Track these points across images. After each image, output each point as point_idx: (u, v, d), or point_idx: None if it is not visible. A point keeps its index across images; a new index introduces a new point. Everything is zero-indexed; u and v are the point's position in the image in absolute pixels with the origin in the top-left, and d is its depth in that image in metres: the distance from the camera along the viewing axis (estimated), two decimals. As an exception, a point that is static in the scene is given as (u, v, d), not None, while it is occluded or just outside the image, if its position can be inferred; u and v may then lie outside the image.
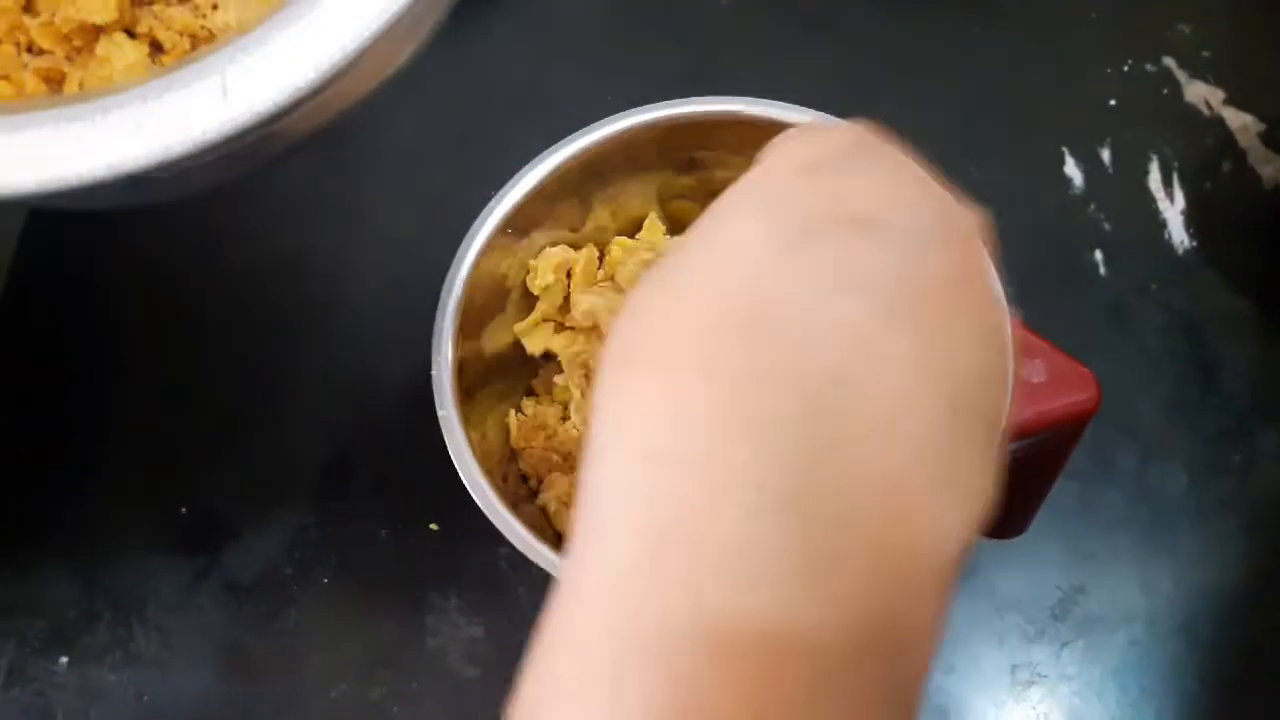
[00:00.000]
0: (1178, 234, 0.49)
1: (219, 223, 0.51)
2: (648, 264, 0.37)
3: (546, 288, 0.37)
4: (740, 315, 0.18)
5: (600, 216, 0.38)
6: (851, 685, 0.17)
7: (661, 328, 0.19)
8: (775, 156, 0.22)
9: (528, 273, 0.37)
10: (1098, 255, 0.48)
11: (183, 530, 0.45)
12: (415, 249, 0.49)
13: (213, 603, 0.44)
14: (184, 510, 0.45)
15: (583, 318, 0.37)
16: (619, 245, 0.39)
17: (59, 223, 0.50)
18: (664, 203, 0.39)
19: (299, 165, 0.52)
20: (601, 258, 0.39)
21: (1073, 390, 0.30)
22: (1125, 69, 0.52)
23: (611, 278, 0.38)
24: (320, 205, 0.51)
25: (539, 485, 0.37)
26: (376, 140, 0.52)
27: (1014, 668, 0.42)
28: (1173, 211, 0.49)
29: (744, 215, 0.20)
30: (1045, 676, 0.42)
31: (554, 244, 0.37)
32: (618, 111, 0.36)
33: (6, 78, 0.29)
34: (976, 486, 0.19)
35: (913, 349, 0.18)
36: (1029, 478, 0.36)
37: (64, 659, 0.43)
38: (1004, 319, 0.21)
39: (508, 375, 0.38)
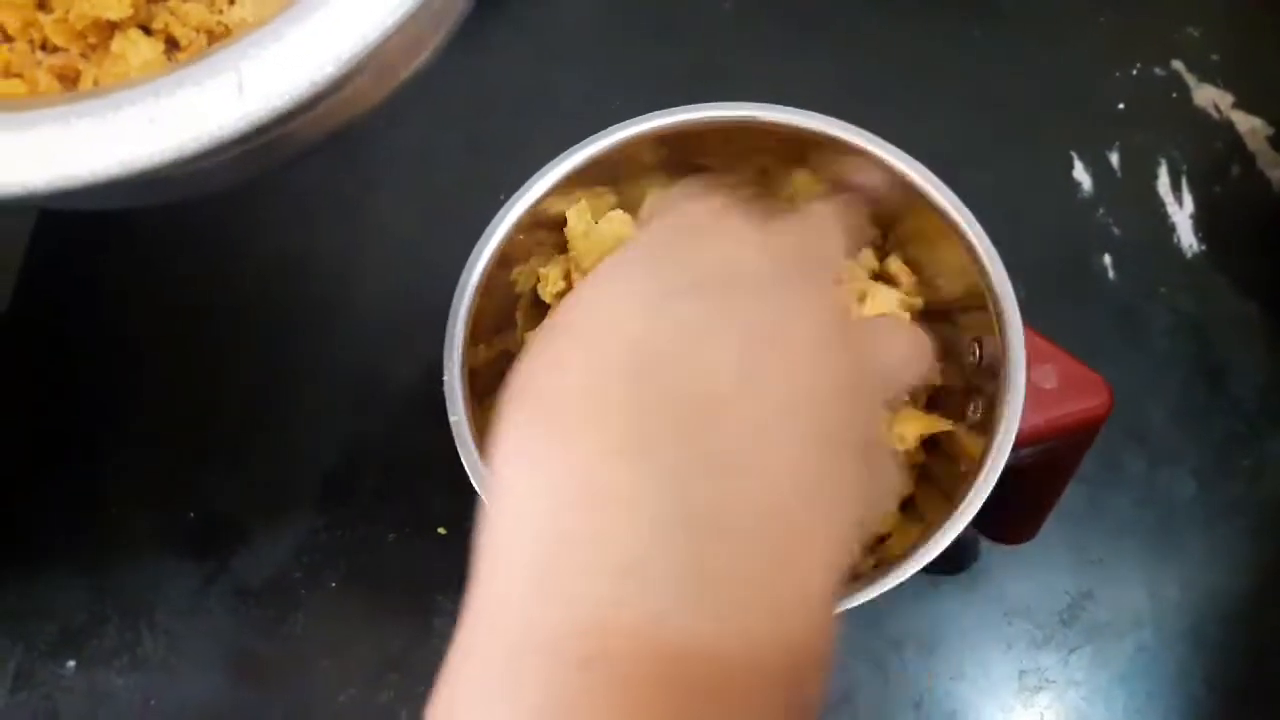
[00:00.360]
0: (1186, 238, 0.49)
1: (228, 224, 0.51)
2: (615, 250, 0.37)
3: (557, 294, 0.37)
4: (622, 360, 0.20)
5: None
6: (738, 698, 0.18)
7: (552, 373, 0.20)
8: (653, 225, 0.24)
9: (538, 280, 0.37)
10: (1106, 259, 0.48)
11: (191, 534, 0.45)
12: (424, 252, 0.49)
13: (221, 607, 0.44)
14: (192, 515, 0.45)
15: (551, 300, 0.37)
16: (580, 235, 0.38)
17: (68, 225, 0.50)
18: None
19: (308, 166, 0.52)
20: None
21: (1084, 396, 0.30)
22: (1134, 72, 0.52)
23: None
24: (329, 207, 0.51)
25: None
26: (385, 143, 0.52)
27: (1022, 673, 0.42)
28: (1181, 215, 0.49)
29: (627, 276, 0.22)
30: (1053, 682, 0.42)
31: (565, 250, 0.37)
32: (622, 115, 0.35)
33: (20, 75, 0.28)
34: (849, 510, 0.20)
35: (779, 378, 0.20)
36: (1039, 484, 0.36)
37: (72, 663, 0.43)
38: (866, 349, 0.23)
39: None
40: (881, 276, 0.38)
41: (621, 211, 0.38)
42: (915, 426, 0.35)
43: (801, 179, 0.37)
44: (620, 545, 0.18)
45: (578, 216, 0.37)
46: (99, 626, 0.43)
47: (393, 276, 0.49)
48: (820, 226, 0.26)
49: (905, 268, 0.37)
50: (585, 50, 0.54)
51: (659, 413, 0.19)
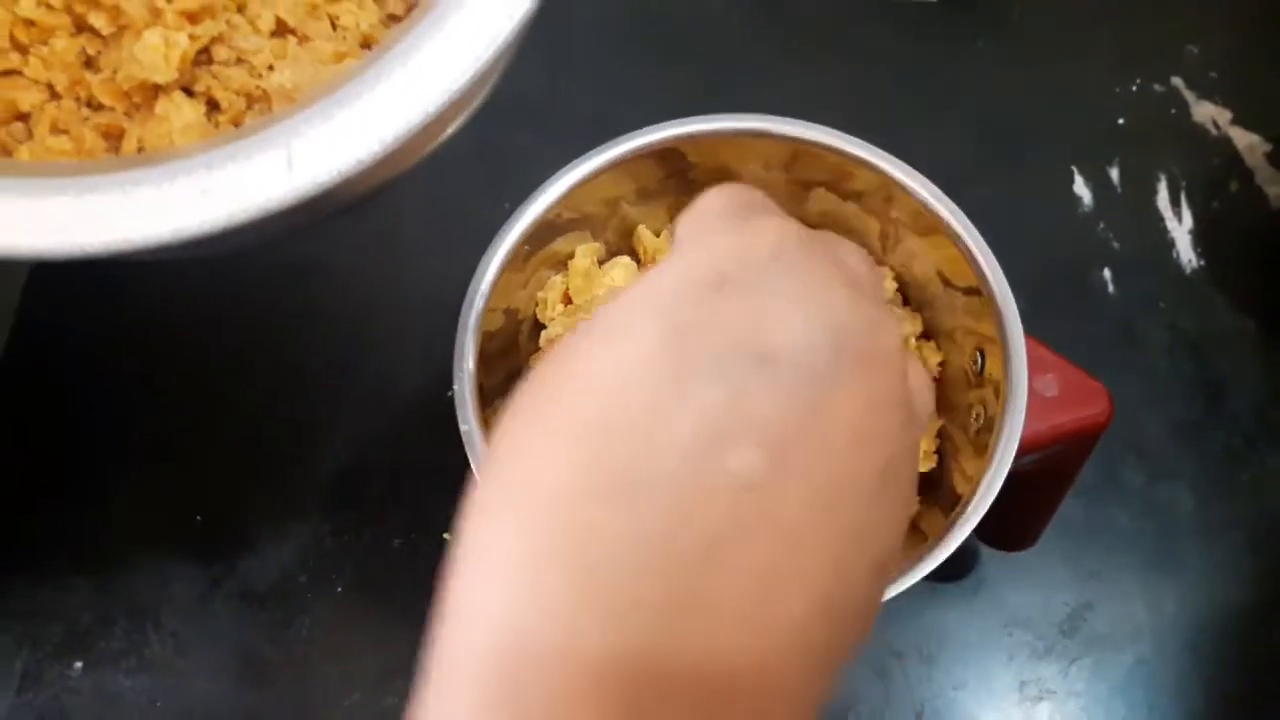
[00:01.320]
0: (1186, 253, 0.49)
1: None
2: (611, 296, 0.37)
3: (554, 318, 0.38)
4: (610, 470, 0.17)
5: (617, 232, 0.39)
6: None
7: (526, 469, 0.17)
8: (688, 260, 0.19)
9: (537, 305, 0.38)
10: (1106, 273, 0.49)
11: (198, 538, 0.45)
12: (432, 261, 0.49)
13: (227, 611, 0.44)
14: (199, 518, 0.45)
15: (545, 345, 0.37)
16: (583, 274, 0.38)
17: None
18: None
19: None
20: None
21: (1085, 404, 0.31)
22: (1134, 89, 0.52)
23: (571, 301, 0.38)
24: (337, 216, 0.51)
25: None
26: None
27: (1023, 684, 0.42)
28: (1180, 230, 0.49)
29: (635, 336, 0.18)
30: (1054, 693, 0.42)
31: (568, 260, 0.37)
32: (631, 128, 0.36)
33: (66, 132, 0.29)
34: (840, 663, 0.18)
35: (801, 513, 0.17)
36: (1040, 491, 0.36)
37: (79, 664, 0.43)
38: (914, 455, 0.20)
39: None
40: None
41: (628, 260, 0.38)
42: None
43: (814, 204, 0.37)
44: None
45: (584, 255, 0.37)
46: (106, 628, 0.44)
47: (401, 285, 0.49)
48: (873, 272, 0.22)
49: (894, 291, 0.38)
50: (595, 65, 0.54)
51: (641, 555, 0.16)
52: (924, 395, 0.21)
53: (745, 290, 0.18)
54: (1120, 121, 0.52)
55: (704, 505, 0.16)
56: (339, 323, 0.49)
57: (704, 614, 0.16)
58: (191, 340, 0.49)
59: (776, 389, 0.17)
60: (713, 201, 0.21)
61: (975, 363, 0.34)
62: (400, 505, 0.45)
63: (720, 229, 0.20)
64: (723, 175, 0.38)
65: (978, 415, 0.33)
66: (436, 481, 0.45)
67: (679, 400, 0.17)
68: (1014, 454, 0.30)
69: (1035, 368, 0.31)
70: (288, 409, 0.48)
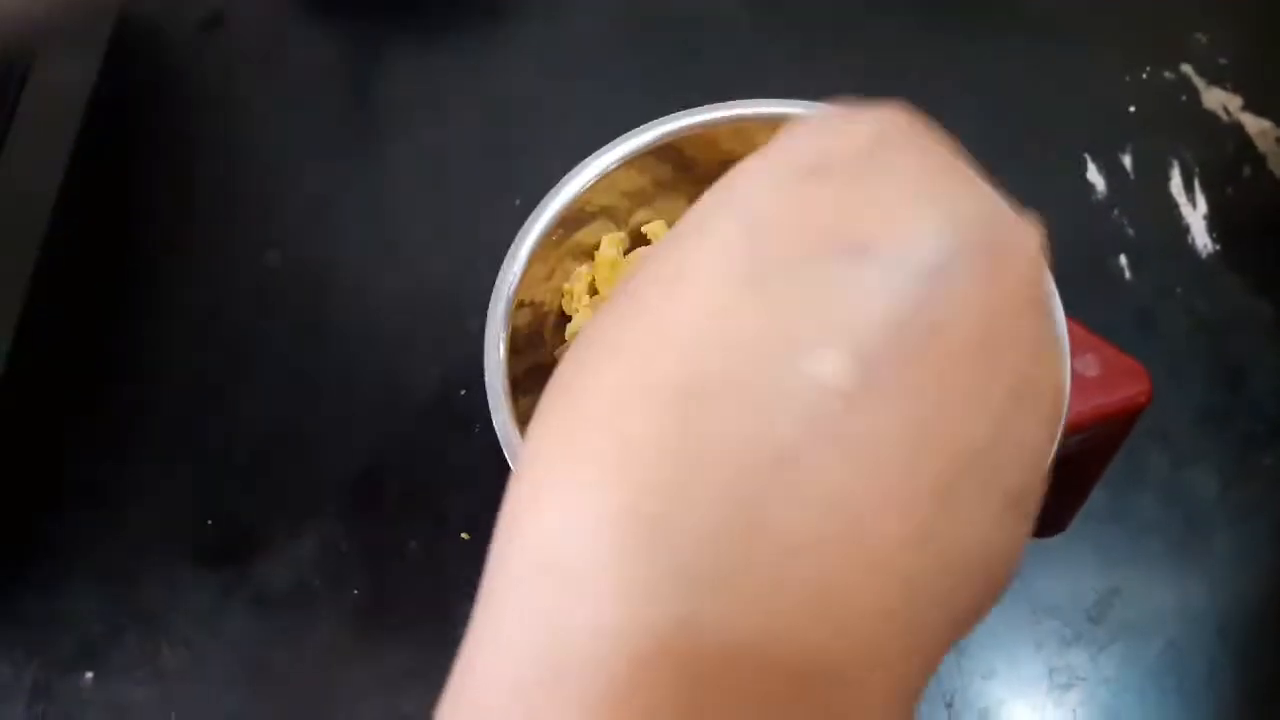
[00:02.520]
0: (1201, 238, 0.49)
1: (242, 233, 0.51)
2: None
3: (579, 310, 0.37)
4: (676, 379, 0.14)
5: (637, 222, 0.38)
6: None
7: (585, 387, 0.16)
8: (778, 149, 0.17)
9: (563, 297, 0.37)
10: (1122, 260, 0.48)
11: (210, 544, 0.44)
12: (441, 261, 0.49)
13: (241, 617, 0.43)
14: (210, 523, 0.45)
15: (570, 337, 0.37)
16: (608, 265, 0.37)
17: (79, 236, 0.50)
18: None
19: (322, 174, 0.52)
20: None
21: (1126, 384, 0.30)
22: (1144, 76, 0.52)
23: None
24: (344, 217, 0.51)
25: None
26: (400, 151, 0.52)
27: (1052, 671, 0.42)
28: (1195, 216, 0.49)
29: (710, 235, 0.16)
30: (1084, 679, 0.41)
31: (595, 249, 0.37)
32: (638, 122, 0.35)
33: None
34: (964, 621, 0.15)
35: (900, 430, 0.14)
36: (1077, 474, 0.36)
37: (90, 675, 0.42)
38: (1060, 365, 0.17)
39: (541, 391, 0.38)
40: None
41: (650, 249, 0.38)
42: None
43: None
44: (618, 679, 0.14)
45: (610, 245, 0.37)
46: (117, 637, 0.43)
47: (410, 285, 0.49)
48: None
49: None
50: (600, 60, 0.54)
51: (704, 474, 0.14)
52: (1059, 316, 0.19)
53: (843, 176, 0.16)
54: (1131, 109, 0.52)
55: (774, 416, 0.14)
56: (349, 325, 0.48)
57: (764, 559, 0.13)
58: (199, 345, 0.48)
59: (876, 288, 0.15)
60: (807, 118, 0.19)
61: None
62: (416, 507, 0.45)
63: (814, 125, 0.18)
64: (728, 168, 0.37)
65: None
66: (453, 483, 0.45)
67: (755, 300, 0.15)
68: (1061, 434, 0.29)
69: (1075, 347, 0.31)
70: (298, 413, 0.47)
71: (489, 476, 0.32)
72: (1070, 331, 0.31)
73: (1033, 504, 0.16)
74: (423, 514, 0.44)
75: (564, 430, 0.16)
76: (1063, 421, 0.17)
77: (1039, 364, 0.16)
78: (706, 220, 0.16)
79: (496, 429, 0.31)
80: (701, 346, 0.15)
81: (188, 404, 0.47)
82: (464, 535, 0.44)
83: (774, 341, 0.14)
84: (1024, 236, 0.17)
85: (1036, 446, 0.16)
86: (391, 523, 0.44)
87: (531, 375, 0.36)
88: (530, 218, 0.33)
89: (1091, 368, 0.30)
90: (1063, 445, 0.30)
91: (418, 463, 0.45)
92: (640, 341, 0.15)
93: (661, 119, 0.35)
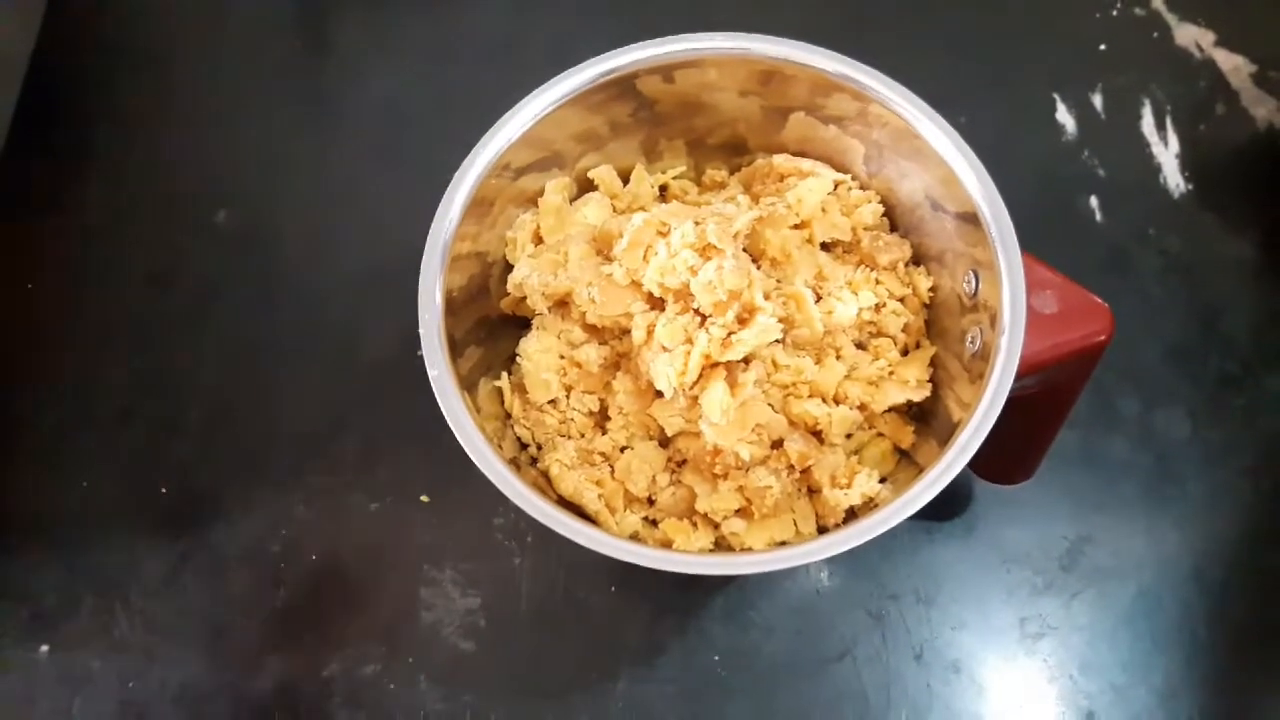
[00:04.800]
0: (1173, 178, 0.48)
1: (191, 193, 0.49)
2: (584, 233, 0.35)
3: (521, 259, 0.36)
4: None
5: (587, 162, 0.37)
6: None
7: None
8: None
9: (506, 245, 0.36)
10: (1093, 201, 0.47)
11: (165, 510, 0.43)
12: (395, 214, 0.47)
13: (198, 585, 0.42)
14: (165, 490, 0.44)
15: (514, 289, 0.35)
16: (554, 211, 0.36)
17: (31, 176, 0.49)
18: (651, 160, 0.38)
19: (268, 125, 0.50)
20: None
21: (1086, 321, 0.30)
22: (1114, 13, 0.51)
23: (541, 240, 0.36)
24: (294, 170, 0.49)
25: (538, 450, 0.36)
26: (349, 100, 0.51)
27: (1023, 620, 0.41)
28: (1167, 155, 0.48)
29: None
30: (1055, 628, 0.41)
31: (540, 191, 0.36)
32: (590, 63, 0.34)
33: None
34: None
35: None
36: (1038, 418, 0.35)
37: (45, 647, 0.41)
38: None
39: (492, 343, 0.37)
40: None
41: (601, 195, 0.37)
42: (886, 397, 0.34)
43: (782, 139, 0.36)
44: None
45: (554, 191, 0.36)
46: (72, 609, 0.42)
47: (365, 240, 0.47)
48: None
49: (880, 215, 0.36)
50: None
51: None
52: None
53: None
54: (1102, 47, 0.50)
55: None
56: (303, 284, 0.47)
57: None
58: (150, 309, 0.47)
59: None
60: None
61: (969, 284, 0.32)
62: (375, 468, 0.44)
63: None
64: (693, 107, 0.36)
65: (973, 339, 0.32)
66: (412, 442, 0.44)
67: None
68: (1013, 374, 0.28)
69: (1033, 285, 0.30)
70: (252, 376, 0.46)
71: (450, 438, 0.32)
72: (1028, 268, 0.30)
73: None
74: (382, 477, 0.43)
75: None
76: None
77: None
78: None
79: (432, 383, 0.30)
80: None
81: (140, 370, 0.46)
82: (424, 498, 0.43)
83: None
84: None
85: None
86: (351, 486, 0.43)
87: (481, 327, 0.35)
88: (465, 162, 0.32)
89: (1050, 304, 0.29)
90: (1021, 385, 0.30)
91: (376, 425, 0.44)
92: None
93: (610, 53, 0.34)
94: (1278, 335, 0.45)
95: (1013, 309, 0.29)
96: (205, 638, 0.42)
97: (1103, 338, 0.30)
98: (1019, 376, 0.29)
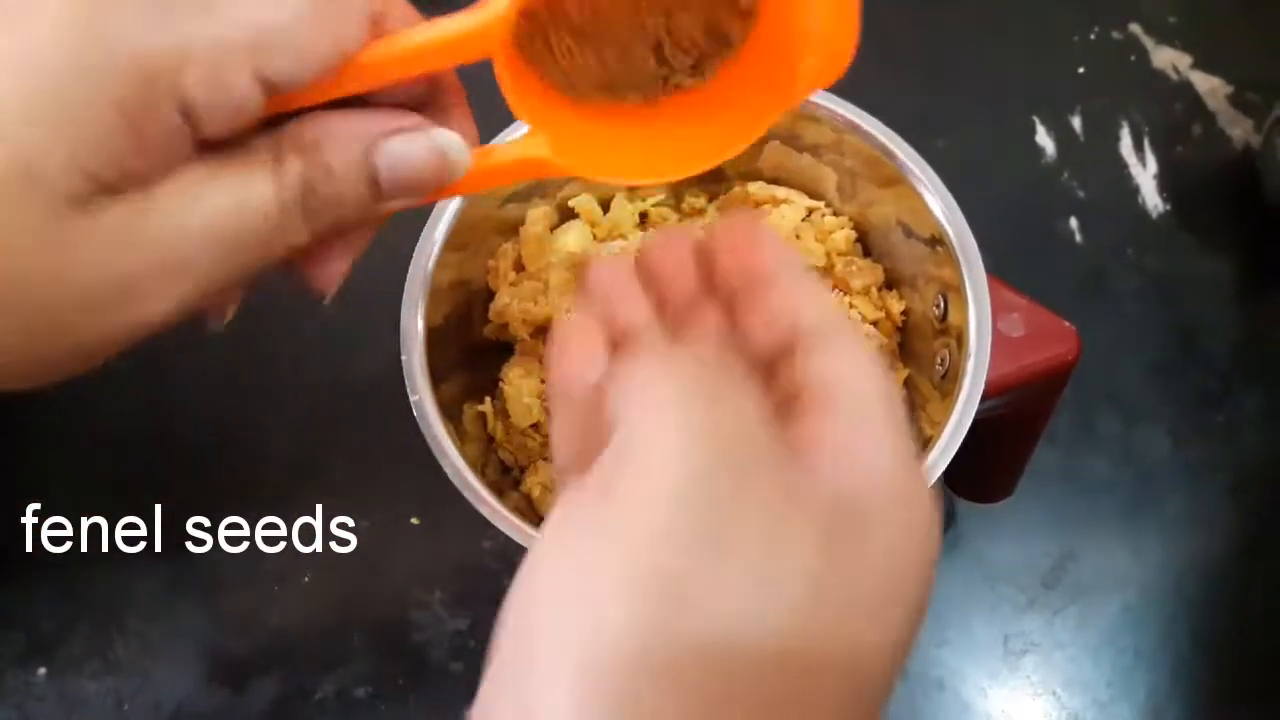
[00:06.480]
0: (1151, 198, 0.49)
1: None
2: (565, 261, 0.36)
3: (502, 287, 0.37)
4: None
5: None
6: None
7: (532, 645, 0.18)
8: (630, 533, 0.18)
9: (488, 273, 0.37)
10: (1073, 222, 0.48)
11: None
12: (381, 237, 0.48)
13: (192, 607, 0.43)
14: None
15: (494, 316, 0.36)
16: (535, 240, 0.37)
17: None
18: (632, 188, 0.39)
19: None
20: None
21: (1052, 343, 0.30)
22: (1092, 37, 0.52)
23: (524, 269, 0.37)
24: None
25: (521, 474, 0.37)
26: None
27: (1007, 637, 0.42)
28: (1145, 176, 0.49)
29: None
30: (1038, 645, 0.41)
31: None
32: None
33: None
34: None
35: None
36: (1012, 437, 0.35)
37: (42, 670, 0.42)
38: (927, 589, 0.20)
39: (477, 368, 0.38)
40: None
41: (581, 224, 0.37)
42: None
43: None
44: None
45: (535, 221, 0.36)
46: (68, 632, 0.43)
47: (357, 258, 0.48)
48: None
49: (853, 241, 0.37)
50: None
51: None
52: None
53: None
54: (1080, 70, 0.51)
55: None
56: (291, 307, 0.48)
57: None
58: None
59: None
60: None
61: (938, 307, 0.33)
62: (365, 490, 0.44)
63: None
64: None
65: (942, 361, 0.32)
66: (401, 466, 0.44)
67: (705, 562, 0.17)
68: (980, 392, 0.29)
69: (1000, 308, 0.30)
70: (243, 400, 0.46)
71: (437, 462, 0.32)
72: (996, 292, 0.31)
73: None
74: (371, 499, 0.44)
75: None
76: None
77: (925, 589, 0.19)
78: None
79: (414, 408, 0.30)
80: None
81: (131, 392, 0.47)
82: (414, 521, 0.44)
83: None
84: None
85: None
86: (342, 509, 0.44)
87: (465, 353, 0.36)
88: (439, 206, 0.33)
89: (1017, 328, 0.30)
90: (990, 406, 0.30)
91: (367, 449, 0.45)
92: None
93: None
94: (1256, 353, 0.45)
95: (979, 332, 0.30)
96: (200, 659, 0.42)
97: (1069, 359, 0.30)
98: (986, 398, 0.29)
